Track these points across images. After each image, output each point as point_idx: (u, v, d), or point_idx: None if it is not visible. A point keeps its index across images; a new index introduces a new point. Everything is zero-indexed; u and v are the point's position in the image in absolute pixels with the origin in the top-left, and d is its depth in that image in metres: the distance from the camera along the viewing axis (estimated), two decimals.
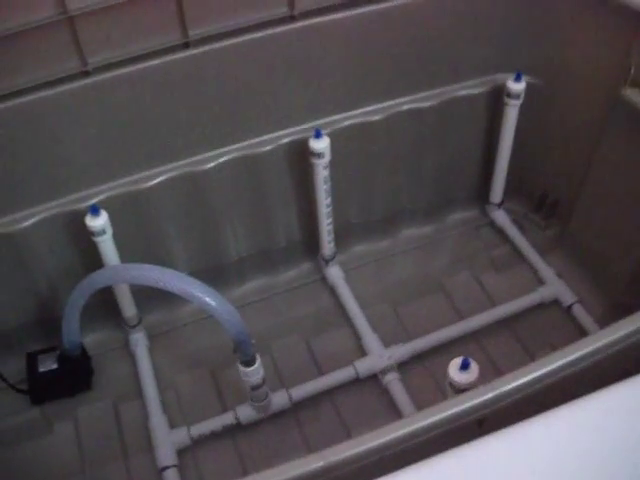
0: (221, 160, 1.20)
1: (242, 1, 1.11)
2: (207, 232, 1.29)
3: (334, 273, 1.38)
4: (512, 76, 1.26)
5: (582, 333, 1.25)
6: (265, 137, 1.22)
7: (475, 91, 1.31)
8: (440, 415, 0.67)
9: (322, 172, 1.21)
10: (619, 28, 1.13)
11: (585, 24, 1.19)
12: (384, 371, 1.21)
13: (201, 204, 1.24)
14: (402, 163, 1.36)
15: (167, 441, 1.13)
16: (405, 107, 1.28)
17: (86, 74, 1.07)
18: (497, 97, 1.31)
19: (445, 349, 1.24)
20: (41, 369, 1.19)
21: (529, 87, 1.27)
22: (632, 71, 1.13)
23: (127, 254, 1.17)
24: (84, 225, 1.09)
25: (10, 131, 1.05)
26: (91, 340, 1.28)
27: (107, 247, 1.12)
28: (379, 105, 1.27)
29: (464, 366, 0.86)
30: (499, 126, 1.33)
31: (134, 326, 1.27)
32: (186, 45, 1.12)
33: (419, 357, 1.24)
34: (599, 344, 0.71)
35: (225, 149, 1.21)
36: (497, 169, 1.39)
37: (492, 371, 1.20)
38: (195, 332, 1.32)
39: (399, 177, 1.38)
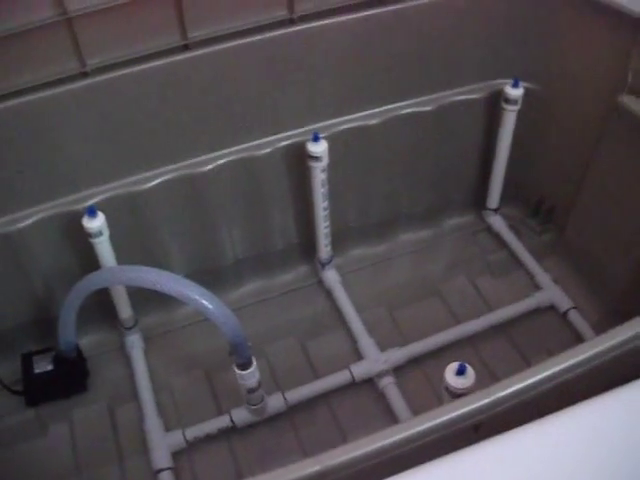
0: (219, 162, 1.20)
1: (242, 4, 1.12)
2: (204, 234, 1.28)
3: (331, 276, 1.38)
4: (510, 82, 1.26)
5: (578, 339, 1.25)
6: (263, 140, 1.23)
7: (473, 96, 1.31)
8: (436, 420, 0.67)
9: (320, 175, 1.21)
10: (617, 35, 1.14)
11: (583, 31, 1.19)
12: (380, 375, 1.21)
13: (199, 206, 1.24)
14: (399, 167, 1.36)
15: (162, 443, 1.13)
16: (403, 111, 1.28)
17: (85, 75, 1.07)
18: (495, 103, 1.31)
19: (441, 353, 1.25)
20: (36, 370, 1.19)
21: (527, 93, 1.27)
22: (630, 78, 1.13)
23: (124, 256, 1.17)
24: (81, 226, 1.09)
25: (8, 131, 1.05)
26: (87, 342, 1.28)
27: (104, 248, 1.12)
28: (377, 109, 1.27)
29: (460, 371, 0.87)
30: (496, 132, 1.33)
31: (130, 328, 1.27)
32: (185, 47, 1.12)
33: (415, 361, 1.24)
34: (595, 350, 0.71)
35: (223, 152, 1.21)
36: (494, 174, 1.40)
37: (488, 376, 1.20)
38: (191, 334, 1.32)
39: (396, 181, 1.38)
